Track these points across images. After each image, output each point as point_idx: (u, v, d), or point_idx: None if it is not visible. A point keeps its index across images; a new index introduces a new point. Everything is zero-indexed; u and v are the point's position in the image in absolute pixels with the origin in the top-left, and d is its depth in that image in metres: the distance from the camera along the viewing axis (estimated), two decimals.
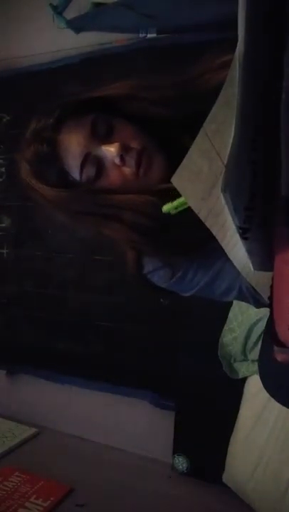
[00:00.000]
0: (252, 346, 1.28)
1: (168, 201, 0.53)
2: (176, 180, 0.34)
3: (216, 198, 0.34)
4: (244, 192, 0.30)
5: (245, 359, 1.33)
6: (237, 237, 0.35)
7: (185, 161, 0.34)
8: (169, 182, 0.42)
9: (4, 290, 2.02)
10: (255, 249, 0.34)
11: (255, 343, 1.27)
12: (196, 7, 1.42)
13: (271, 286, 0.35)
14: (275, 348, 0.36)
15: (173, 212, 0.53)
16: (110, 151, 0.60)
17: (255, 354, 1.28)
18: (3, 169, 1.98)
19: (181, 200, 0.51)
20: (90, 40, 1.72)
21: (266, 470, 1.19)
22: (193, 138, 0.35)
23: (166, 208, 0.53)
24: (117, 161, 0.60)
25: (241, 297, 0.63)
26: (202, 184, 0.34)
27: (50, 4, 1.66)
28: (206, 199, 0.34)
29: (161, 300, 1.60)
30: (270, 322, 0.36)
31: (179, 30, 1.54)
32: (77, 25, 1.68)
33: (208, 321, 1.44)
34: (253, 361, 1.31)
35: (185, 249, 0.62)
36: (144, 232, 0.62)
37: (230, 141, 0.30)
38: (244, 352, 1.31)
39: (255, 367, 1.29)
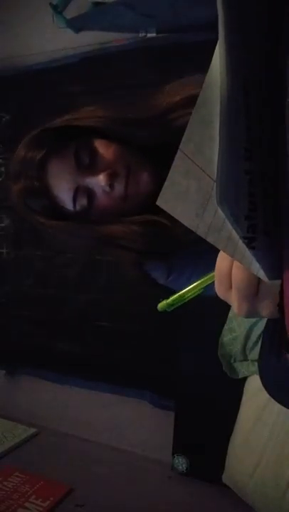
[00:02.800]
0: (252, 346, 1.28)
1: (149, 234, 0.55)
2: (163, 203, 0.33)
3: (214, 212, 0.33)
4: (242, 202, 0.30)
5: (245, 359, 1.32)
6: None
7: (167, 183, 0.33)
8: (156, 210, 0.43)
9: (4, 290, 2.02)
10: (264, 257, 0.34)
11: (255, 343, 1.26)
12: (195, 7, 1.42)
13: (280, 292, 0.35)
14: (285, 353, 0.36)
15: (169, 309, 0.55)
16: (99, 181, 0.63)
17: (255, 354, 1.28)
18: (2, 169, 1.98)
19: (175, 296, 0.53)
20: (89, 40, 1.72)
21: (266, 470, 1.18)
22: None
23: (161, 305, 0.55)
24: (107, 189, 0.63)
25: None
26: (193, 201, 0.33)
27: (50, 3, 1.66)
28: (201, 215, 0.33)
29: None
30: (281, 328, 0.35)
31: (179, 29, 1.54)
32: (77, 25, 1.68)
33: (208, 321, 1.44)
34: (252, 361, 1.30)
35: (181, 251, 0.65)
36: (139, 250, 0.66)
37: (215, 157, 0.30)
38: (244, 352, 1.31)
39: (255, 367, 1.29)
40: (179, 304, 0.53)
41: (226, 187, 0.30)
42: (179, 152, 0.32)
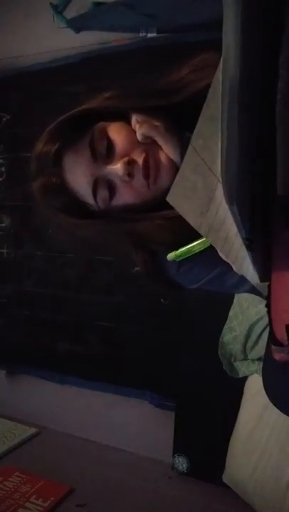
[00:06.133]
0: (252, 345, 1.28)
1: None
2: (172, 199, 0.33)
3: (215, 212, 0.33)
4: (247, 203, 0.30)
5: (246, 358, 1.32)
6: (244, 251, 0.35)
7: (178, 178, 0.33)
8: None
9: (4, 290, 2.02)
10: (259, 260, 0.34)
11: (256, 342, 1.26)
12: (196, 6, 1.42)
13: (269, 286, 0.35)
14: (273, 346, 0.37)
15: (177, 259, 0.56)
16: (117, 171, 0.59)
17: (255, 353, 1.28)
18: (3, 169, 1.98)
19: (183, 249, 0.54)
20: (90, 40, 1.71)
21: (266, 470, 1.18)
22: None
23: (170, 256, 0.56)
24: (126, 179, 0.59)
25: (253, 290, 0.62)
26: (199, 199, 0.33)
27: (51, 3, 1.67)
28: (204, 214, 0.33)
29: (162, 300, 1.60)
30: (269, 324, 0.36)
31: (179, 29, 1.54)
32: (78, 25, 1.68)
33: (208, 320, 1.44)
34: (253, 360, 1.30)
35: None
36: (161, 244, 0.63)
37: (218, 154, 0.30)
38: (244, 351, 1.31)
39: (256, 366, 1.29)
40: (186, 256, 0.55)
41: (234, 187, 0.30)
42: (190, 146, 0.31)
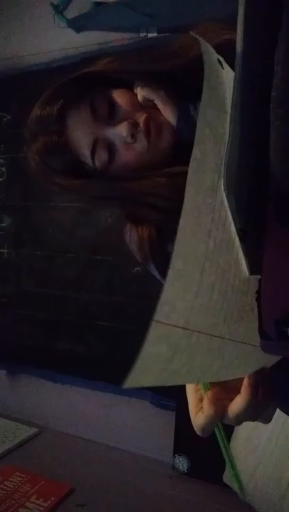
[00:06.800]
0: None
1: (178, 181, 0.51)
2: (130, 383, 0.31)
3: (179, 360, 0.32)
4: (244, 194, 0.31)
5: None
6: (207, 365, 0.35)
7: (138, 363, 0.30)
8: (177, 163, 0.42)
9: (4, 290, 2.02)
10: (250, 252, 0.35)
11: None
12: (196, 6, 1.42)
13: (259, 281, 0.36)
14: (261, 340, 0.37)
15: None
16: (120, 132, 0.60)
17: None
18: (3, 169, 1.98)
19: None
20: (90, 40, 1.71)
21: (267, 470, 1.18)
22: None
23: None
24: (129, 140, 0.59)
25: None
26: (159, 364, 0.31)
27: (51, 3, 1.67)
28: (166, 369, 0.32)
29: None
30: (258, 316, 0.36)
31: (180, 29, 1.54)
32: (78, 25, 1.68)
33: None
34: None
35: None
36: (164, 211, 0.60)
37: (185, 304, 0.30)
38: None
39: None
40: None
41: (233, 177, 0.30)
42: (152, 323, 0.30)
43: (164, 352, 0.31)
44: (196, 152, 0.30)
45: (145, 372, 0.31)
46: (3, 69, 1.92)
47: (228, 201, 0.32)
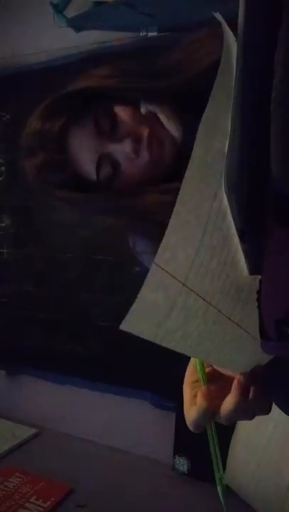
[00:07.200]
0: None
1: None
2: (127, 325, 0.32)
3: (176, 317, 0.33)
4: (245, 193, 0.31)
5: None
6: (203, 337, 0.36)
7: (135, 304, 0.32)
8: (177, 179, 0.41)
9: (4, 290, 2.01)
10: (250, 252, 0.35)
11: None
12: (197, 6, 1.41)
13: (260, 281, 0.35)
14: (261, 341, 0.37)
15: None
16: (123, 148, 0.60)
17: None
18: (2, 168, 1.98)
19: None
20: (90, 39, 1.71)
21: (268, 471, 1.18)
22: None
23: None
24: (132, 156, 0.59)
25: None
26: (157, 314, 0.32)
27: (51, 3, 1.66)
28: (163, 323, 0.33)
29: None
30: (259, 317, 0.37)
31: (180, 29, 1.54)
32: (78, 24, 1.68)
33: None
34: None
35: None
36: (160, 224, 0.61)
37: (185, 258, 0.30)
38: None
39: None
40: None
41: (233, 176, 0.30)
42: (152, 265, 0.30)
43: (161, 302, 0.31)
44: (208, 112, 0.30)
45: (142, 319, 0.32)
46: (3, 68, 1.92)
47: (229, 201, 0.32)
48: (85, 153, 0.61)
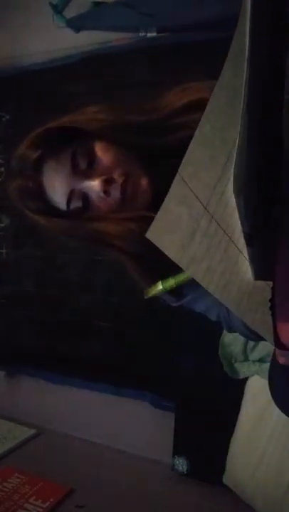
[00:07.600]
0: (253, 346, 1.28)
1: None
2: (152, 235, 0.33)
3: (198, 242, 0.33)
4: (254, 196, 0.30)
5: (246, 359, 1.32)
6: (227, 278, 0.35)
7: (160, 212, 0.32)
8: (152, 209, 0.42)
9: (4, 290, 2.01)
10: (257, 256, 0.34)
11: (256, 343, 1.26)
12: (196, 6, 1.41)
13: (272, 289, 0.35)
14: (277, 350, 0.36)
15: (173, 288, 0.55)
16: (94, 186, 0.61)
17: (256, 354, 1.27)
18: (2, 169, 1.98)
19: (170, 282, 0.53)
20: (89, 39, 1.71)
21: (267, 471, 1.18)
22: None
23: (154, 291, 0.56)
24: (102, 195, 0.61)
25: (219, 321, 0.70)
26: (182, 231, 0.33)
27: (50, 3, 1.66)
28: (186, 246, 0.33)
29: (162, 300, 1.59)
30: (273, 326, 0.35)
31: (179, 29, 1.54)
32: (77, 24, 1.68)
33: (208, 321, 1.43)
34: (253, 361, 1.30)
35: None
36: (134, 255, 0.64)
37: (212, 181, 0.30)
38: (245, 352, 1.30)
39: (256, 367, 1.28)
40: (183, 283, 0.54)
41: (242, 179, 0.29)
42: (177, 176, 0.31)
43: (185, 218, 0.31)
44: (221, 79, 0.29)
45: (166, 230, 0.32)
46: (3, 69, 1.92)
47: (237, 205, 0.31)
48: (58, 185, 0.63)
